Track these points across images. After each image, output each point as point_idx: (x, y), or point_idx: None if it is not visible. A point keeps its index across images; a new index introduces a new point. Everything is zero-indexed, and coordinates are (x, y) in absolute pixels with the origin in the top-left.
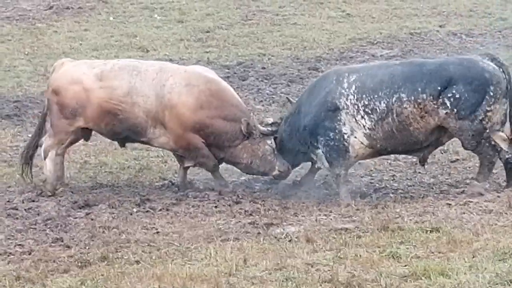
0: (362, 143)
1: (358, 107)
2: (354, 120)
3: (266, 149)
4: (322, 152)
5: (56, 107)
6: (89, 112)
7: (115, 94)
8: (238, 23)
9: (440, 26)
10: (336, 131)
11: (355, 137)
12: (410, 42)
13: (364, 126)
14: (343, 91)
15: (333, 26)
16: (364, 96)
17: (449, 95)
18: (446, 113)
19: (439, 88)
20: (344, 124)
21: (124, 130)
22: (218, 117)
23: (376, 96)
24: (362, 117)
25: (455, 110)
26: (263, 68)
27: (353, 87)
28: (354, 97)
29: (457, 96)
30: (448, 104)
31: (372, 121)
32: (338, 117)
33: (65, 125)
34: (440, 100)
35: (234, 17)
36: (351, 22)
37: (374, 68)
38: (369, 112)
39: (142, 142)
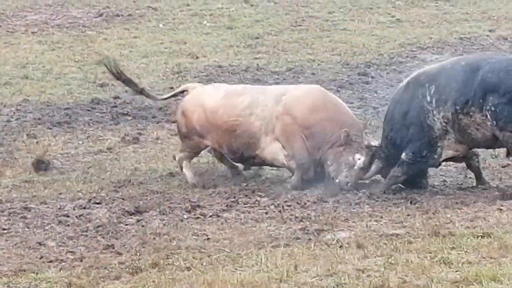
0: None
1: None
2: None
3: (348, 159)
4: (403, 158)
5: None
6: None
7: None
8: (288, 29)
9: (490, 31)
10: (431, 149)
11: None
12: (460, 47)
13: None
14: (428, 107)
15: (383, 31)
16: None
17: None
18: None
19: None
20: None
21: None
22: (327, 119)
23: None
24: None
25: None
26: (313, 74)
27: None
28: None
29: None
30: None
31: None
32: (435, 136)
33: None
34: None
35: (283, 23)
36: (400, 27)
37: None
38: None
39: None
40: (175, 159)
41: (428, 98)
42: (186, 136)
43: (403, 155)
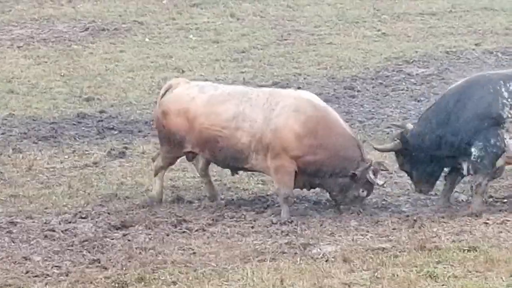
0: None
1: None
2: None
3: (355, 195)
4: (474, 156)
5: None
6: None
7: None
8: (274, 43)
9: (476, 45)
10: (499, 138)
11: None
12: (446, 60)
13: None
14: (504, 101)
15: (369, 45)
16: None
17: None
18: None
19: None
20: (505, 133)
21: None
22: (321, 146)
23: None
24: None
25: None
26: (299, 88)
27: None
28: None
29: None
30: None
31: None
32: (502, 126)
33: None
34: None
35: (269, 37)
36: (386, 41)
37: None
38: None
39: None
40: (153, 162)
41: (505, 94)
42: (165, 139)
43: (473, 151)
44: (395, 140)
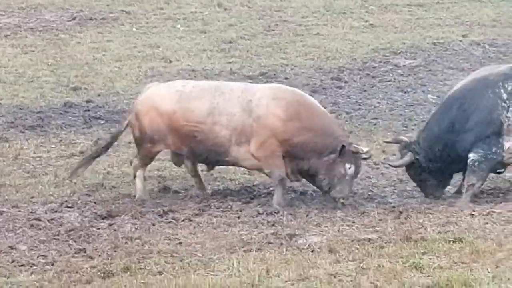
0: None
1: None
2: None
3: (342, 173)
4: (472, 160)
5: None
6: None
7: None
8: (261, 34)
9: (463, 36)
10: (499, 145)
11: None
12: (433, 52)
13: None
14: (504, 104)
15: (356, 36)
16: None
17: None
18: None
19: None
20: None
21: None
22: (306, 128)
23: None
24: None
25: None
26: (286, 78)
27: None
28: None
29: None
30: None
31: None
32: (502, 133)
33: None
34: None
35: (257, 28)
36: (374, 32)
37: None
38: None
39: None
40: (131, 165)
41: (504, 96)
42: (140, 140)
43: (471, 156)
44: (403, 151)
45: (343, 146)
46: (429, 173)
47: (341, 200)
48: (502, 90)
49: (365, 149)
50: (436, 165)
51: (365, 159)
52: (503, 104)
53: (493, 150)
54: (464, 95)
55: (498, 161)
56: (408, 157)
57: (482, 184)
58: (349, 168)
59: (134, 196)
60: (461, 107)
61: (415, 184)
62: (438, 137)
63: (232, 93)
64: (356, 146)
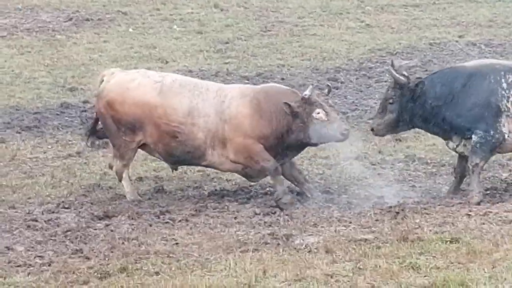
0: None
1: None
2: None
3: (315, 121)
4: (474, 141)
5: None
6: None
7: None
8: (258, 34)
9: (460, 37)
10: (498, 130)
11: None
12: (429, 52)
13: None
14: (503, 92)
15: (352, 36)
16: None
17: None
18: None
19: None
20: (504, 125)
21: None
22: (271, 116)
23: None
24: None
25: None
26: (282, 79)
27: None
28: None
29: None
30: None
31: None
32: (500, 118)
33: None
34: None
35: (253, 28)
36: (370, 32)
37: None
38: None
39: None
40: (111, 169)
41: (504, 85)
42: (115, 132)
43: (473, 138)
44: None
45: (286, 104)
46: (405, 111)
47: (343, 132)
48: (503, 80)
49: (308, 92)
50: (419, 112)
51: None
52: (503, 92)
53: (491, 132)
54: (470, 73)
55: (498, 143)
56: (388, 120)
57: (484, 164)
58: (318, 113)
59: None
60: (465, 85)
61: (411, 185)
62: (435, 97)
63: (208, 95)
64: (307, 92)
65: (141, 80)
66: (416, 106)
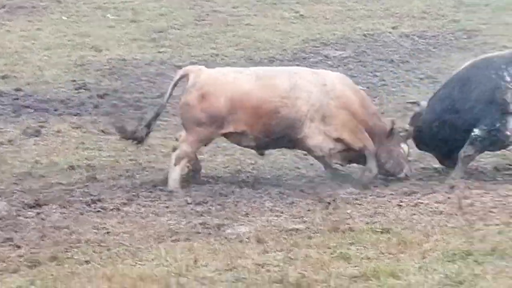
0: None
1: None
2: None
3: (400, 152)
4: (473, 135)
5: None
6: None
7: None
8: (191, 23)
9: (393, 28)
10: (503, 123)
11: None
12: (363, 43)
13: None
14: (508, 85)
15: (287, 27)
16: None
17: None
18: None
19: None
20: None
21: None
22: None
23: None
24: None
25: None
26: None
27: None
28: None
29: None
30: None
31: None
32: (507, 111)
33: None
34: None
35: (187, 17)
36: (304, 23)
37: None
38: None
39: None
40: (173, 151)
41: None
42: (202, 123)
43: (476, 131)
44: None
45: (392, 124)
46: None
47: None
48: (505, 73)
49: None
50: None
51: None
52: (507, 85)
53: (497, 126)
54: (467, 76)
55: (500, 140)
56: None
57: (475, 157)
58: (405, 146)
59: (62, 184)
60: (463, 88)
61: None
62: (438, 116)
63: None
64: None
65: (234, 74)
66: None
